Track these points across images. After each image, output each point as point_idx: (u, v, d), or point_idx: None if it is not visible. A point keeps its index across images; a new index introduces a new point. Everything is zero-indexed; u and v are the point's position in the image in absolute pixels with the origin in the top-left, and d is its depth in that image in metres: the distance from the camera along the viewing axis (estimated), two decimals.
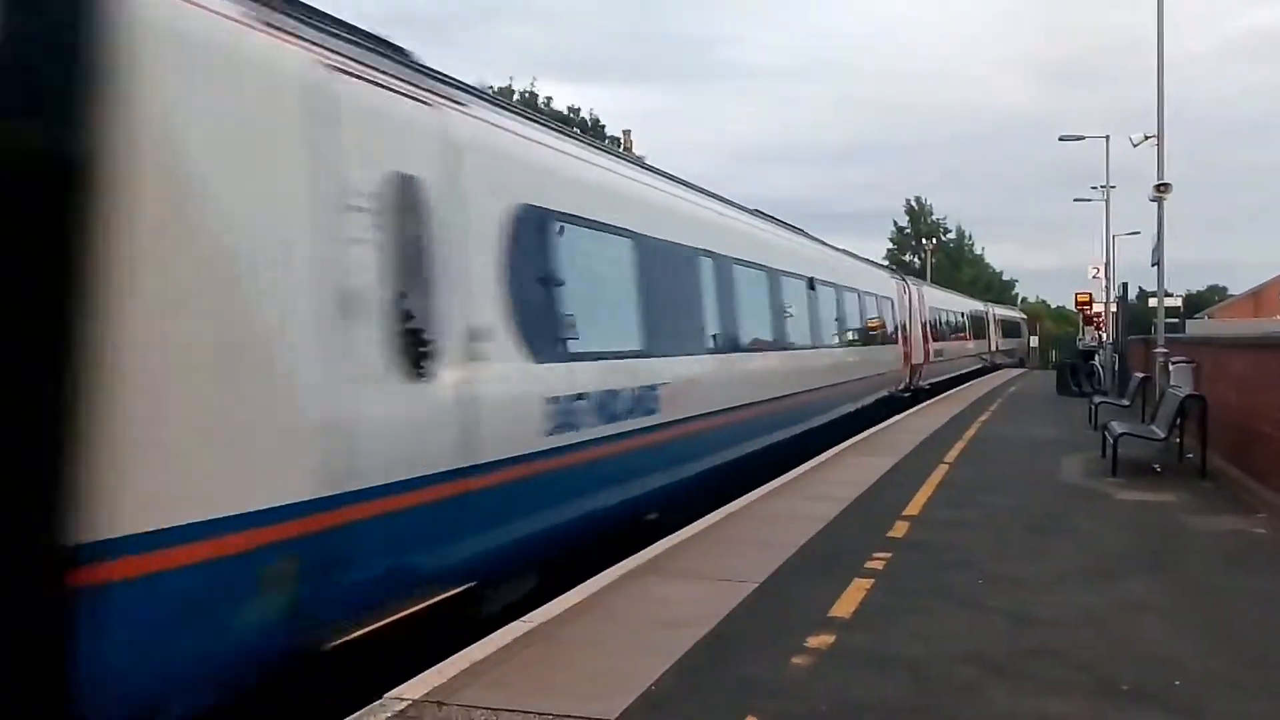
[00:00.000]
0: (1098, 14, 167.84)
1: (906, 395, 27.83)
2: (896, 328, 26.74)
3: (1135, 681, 5.62)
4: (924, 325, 31.44)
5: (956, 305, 43.35)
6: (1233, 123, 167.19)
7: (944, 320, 37.26)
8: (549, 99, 58.69)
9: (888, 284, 26.91)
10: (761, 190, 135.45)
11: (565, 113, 57.40)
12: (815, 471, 14.03)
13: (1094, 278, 46.37)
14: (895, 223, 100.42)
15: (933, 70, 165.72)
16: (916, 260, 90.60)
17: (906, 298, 29.11)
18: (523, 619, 6.75)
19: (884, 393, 24.49)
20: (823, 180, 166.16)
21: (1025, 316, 77.12)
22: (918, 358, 29.70)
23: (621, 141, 50.05)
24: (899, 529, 9.84)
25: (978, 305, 52.05)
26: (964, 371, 41.56)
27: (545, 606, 7.04)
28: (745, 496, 11.72)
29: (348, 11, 6.54)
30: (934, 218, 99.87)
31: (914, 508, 11.03)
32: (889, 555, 8.65)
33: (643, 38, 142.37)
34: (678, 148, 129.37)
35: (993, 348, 54.44)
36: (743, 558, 8.55)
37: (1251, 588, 7.84)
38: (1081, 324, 48.53)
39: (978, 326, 48.03)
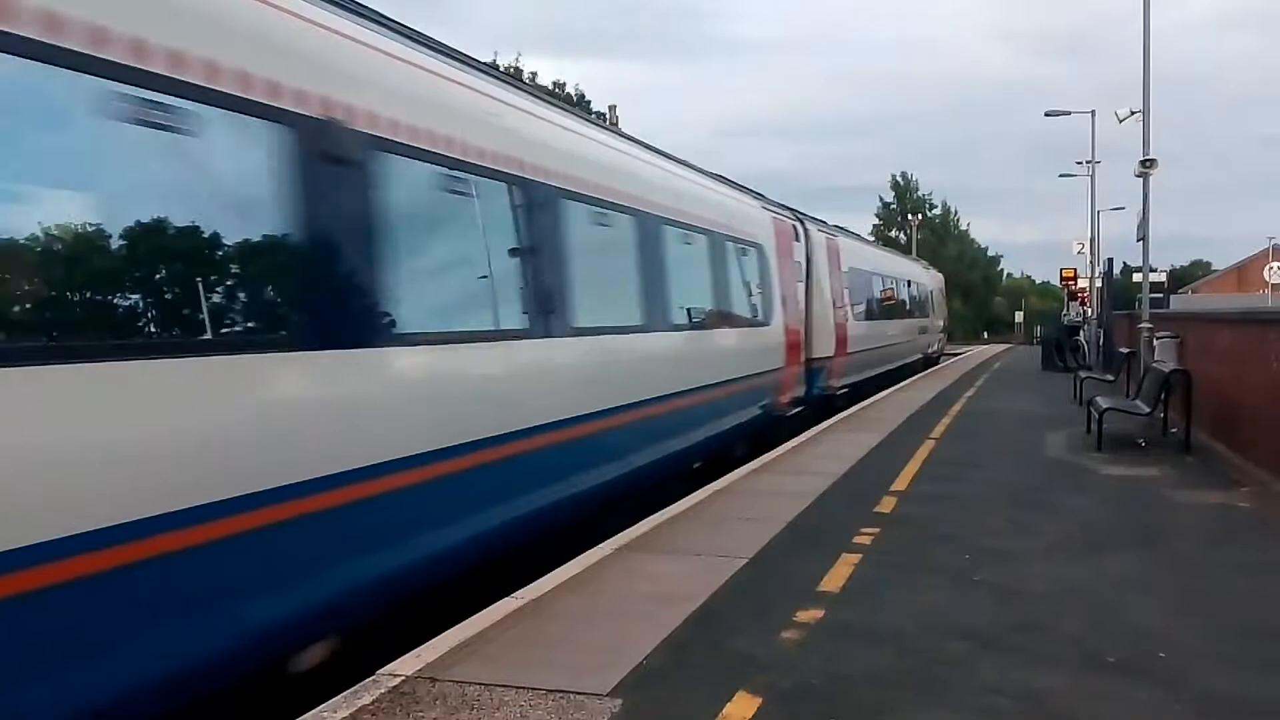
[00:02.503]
0: None
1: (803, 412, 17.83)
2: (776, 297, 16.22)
3: (1121, 654, 5.69)
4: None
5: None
6: (1218, 96, 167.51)
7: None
8: (534, 74, 58.42)
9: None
10: (747, 164, 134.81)
11: (550, 88, 57.11)
12: (803, 448, 14.09)
13: (1079, 253, 46.54)
14: (881, 198, 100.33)
15: (919, 42, 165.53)
16: (903, 236, 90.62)
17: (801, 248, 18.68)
18: (514, 595, 6.78)
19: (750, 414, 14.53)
20: (809, 154, 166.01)
21: (939, 279, 47.86)
22: (823, 348, 19.40)
23: (608, 116, 49.82)
24: (886, 504, 9.91)
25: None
26: None
27: (536, 582, 7.08)
28: (732, 474, 11.77)
29: None
30: (920, 193, 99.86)
31: (901, 483, 11.10)
32: (877, 530, 8.71)
33: (628, 11, 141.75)
34: (663, 122, 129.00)
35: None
36: (731, 534, 8.60)
37: (1235, 561, 7.92)
38: (1066, 300, 48.71)
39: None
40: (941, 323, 45.48)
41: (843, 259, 22.10)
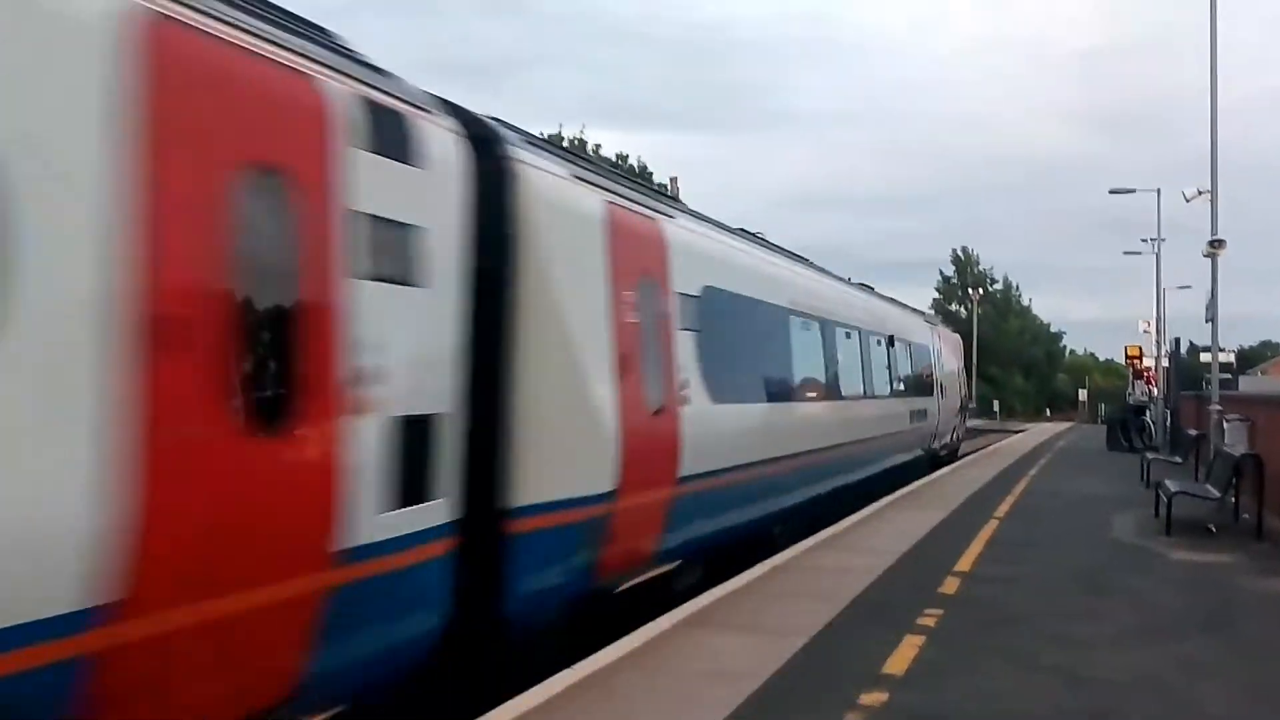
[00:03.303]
0: (1141, 65, 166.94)
1: None
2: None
3: None
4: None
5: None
6: None
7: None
8: (598, 146, 59.33)
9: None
10: (805, 235, 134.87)
11: (613, 160, 57.95)
12: (863, 525, 13.95)
13: (1145, 332, 45.89)
14: (941, 272, 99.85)
15: (976, 118, 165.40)
16: (963, 310, 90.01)
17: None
18: (572, 668, 6.76)
19: None
20: (865, 227, 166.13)
21: (951, 341, 32.98)
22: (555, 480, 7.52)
23: (668, 187, 50.41)
24: (950, 585, 9.77)
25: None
26: None
27: (596, 655, 7.06)
28: (792, 549, 11.69)
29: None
30: (981, 267, 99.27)
31: (965, 563, 10.94)
32: (941, 612, 8.59)
33: (689, 84, 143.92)
34: (721, 192, 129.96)
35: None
36: (793, 611, 8.52)
37: None
38: (1131, 378, 47.99)
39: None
40: (958, 402, 31.15)
41: (675, 264, 10.02)
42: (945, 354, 28.43)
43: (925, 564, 10.89)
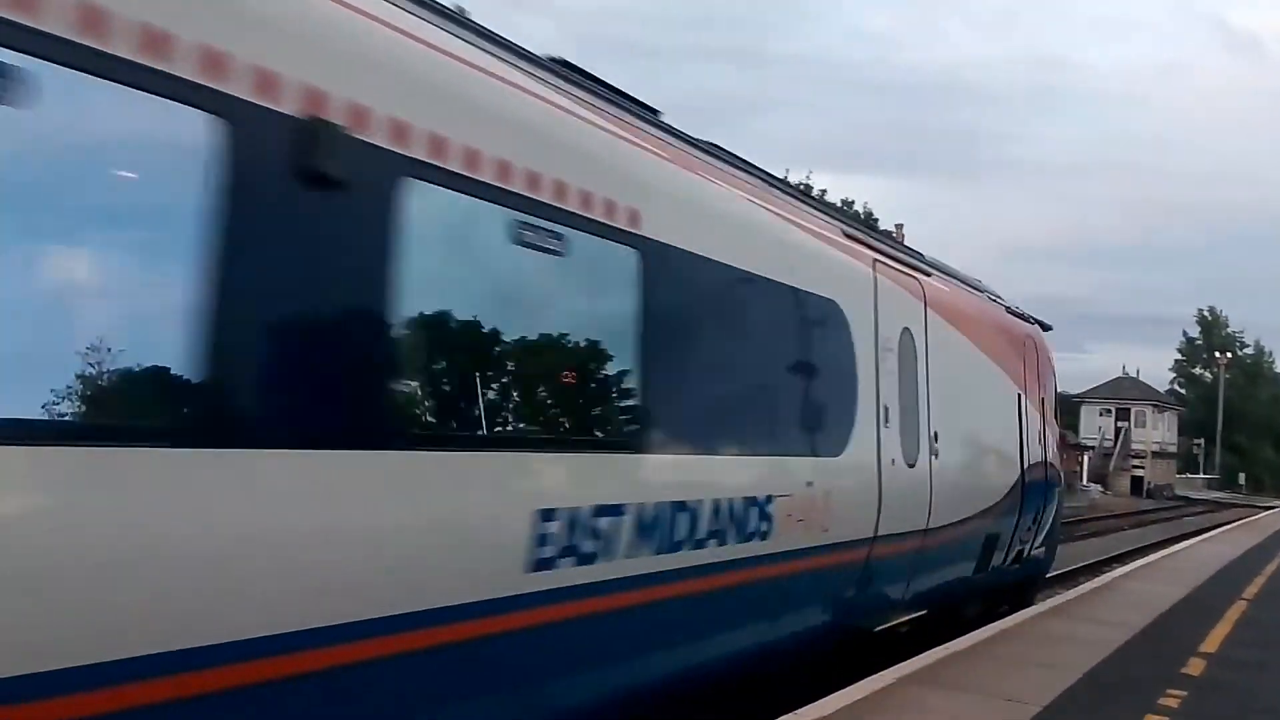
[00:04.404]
0: None
1: None
2: None
3: None
4: None
5: None
6: None
7: None
8: (823, 191, 59.11)
9: None
10: (1038, 288, 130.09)
11: (839, 205, 57.60)
12: (1095, 595, 13.32)
13: None
14: (1185, 333, 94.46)
15: (1228, 171, 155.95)
16: (1208, 374, 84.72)
17: None
18: (795, 713, 6.73)
19: None
20: (1100, 282, 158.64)
21: (1020, 335, 12.99)
22: None
23: (894, 234, 49.59)
24: (1194, 666, 9.18)
25: None
26: None
27: (817, 703, 7.00)
28: (1019, 614, 11.28)
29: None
30: (1229, 330, 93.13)
31: (1210, 644, 10.26)
32: (1184, 694, 8.08)
33: (914, 130, 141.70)
34: (948, 240, 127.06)
35: None
36: (1022, 678, 8.21)
37: None
38: None
39: None
40: (1013, 476, 11.92)
41: None
42: (940, 339, 10.20)
43: (1165, 640, 10.29)
